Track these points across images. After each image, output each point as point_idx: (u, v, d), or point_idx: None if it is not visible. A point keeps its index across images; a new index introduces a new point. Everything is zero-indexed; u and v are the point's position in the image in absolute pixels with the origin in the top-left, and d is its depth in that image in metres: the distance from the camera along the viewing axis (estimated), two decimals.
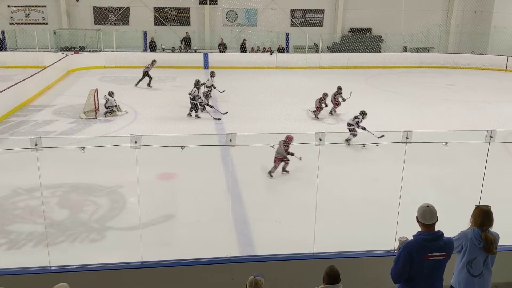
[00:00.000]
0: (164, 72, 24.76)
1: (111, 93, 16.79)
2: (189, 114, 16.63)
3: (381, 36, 30.69)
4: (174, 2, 29.64)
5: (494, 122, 15.05)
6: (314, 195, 6.50)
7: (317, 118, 16.84)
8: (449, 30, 31.73)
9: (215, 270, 6.24)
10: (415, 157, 6.99)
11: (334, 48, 30.27)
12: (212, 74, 19.75)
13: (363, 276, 6.30)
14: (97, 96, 16.71)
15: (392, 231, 6.15)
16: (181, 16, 30.16)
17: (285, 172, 11.12)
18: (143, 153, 5.95)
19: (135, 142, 5.66)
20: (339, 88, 17.61)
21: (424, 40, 30.74)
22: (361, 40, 29.71)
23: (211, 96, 18.73)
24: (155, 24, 29.83)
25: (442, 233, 4.49)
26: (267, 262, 6.30)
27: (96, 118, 16.13)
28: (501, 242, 6.71)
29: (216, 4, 29.74)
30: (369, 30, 31.02)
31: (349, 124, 13.43)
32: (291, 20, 30.94)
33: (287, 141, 10.51)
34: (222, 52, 28.69)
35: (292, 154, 10.62)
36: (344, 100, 17.34)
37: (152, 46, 28.39)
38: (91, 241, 8.29)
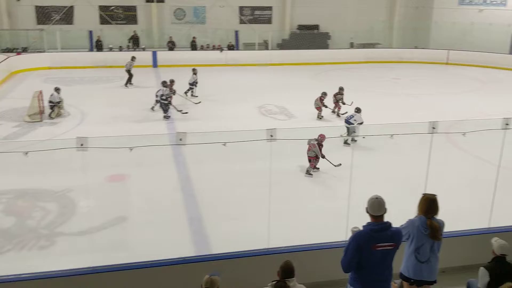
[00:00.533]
0: (112, 71, 24.21)
1: (57, 89, 16.25)
2: (153, 109, 16.65)
3: (328, 33, 31.22)
4: (120, 0, 28.96)
5: (437, 113, 15.68)
6: (267, 191, 6.54)
7: (320, 118, 16.14)
8: (393, 26, 32.71)
9: (170, 271, 6.16)
10: (364, 149, 7.16)
11: (283, 45, 30.55)
12: (194, 71, 19.32)
13: (318, 268, 6.40)
14: (42, 98, 16.11)
15: (344, 222, 6.29)
16: (128, 15, 29.50)
17: (308, 175, 10.90)
18: (91, 155, 5.78)
19: (82, 145, 5.49)
20: (341, 88, 16.93)
21: (369, 36, 31.50)
22: (309, 36, 30.18)
23: (196, 95, 18.75)
24: (101, 23, 29.00)
25: (390, 224, 4.63)
26: (223, 260, 6.28)
27: (41, 121, 15.53)
28: (446, 229, 7.03)
29: (164, 1, 29.30)
30: (316, 26, 31.49)
31: (346, 121, 12.88)
32: (240, 17, 30.94)
33: (321, 140, 10.26)
34: (171, 50, 28.33)
35: (323, 157, 10.49)
36: (343, 103, 16.63)
37: (98, 46, 27.64)
38: (40, 248, 7.99)
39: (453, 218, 7.79)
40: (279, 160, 6.54)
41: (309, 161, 10.83)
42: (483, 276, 5.08)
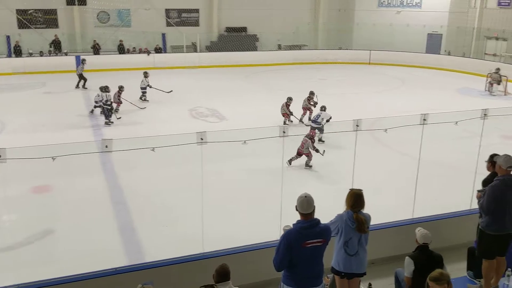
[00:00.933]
0: (33, 78, 23.03)
1: (105, 88, 15.97)
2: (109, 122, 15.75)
3: (256, 35, 31.58)
4: (38, 3, 27.55)
5: (362, 111, 16.29)
6: (199, 194, 6.49)
7: (288, 124, 15.66)
8: (318, 28, 33.67)
9: (102, 283, 5.94)
10: (293, 149, 7.30)
11: (212, 47, 30.50)
12: (146, 75, 19.05)
13: (253, 269, 6.44)
14: None
15: (277, 221, 6.37)
16: (48, 18, 28.15)
17: (308, 167, 11.46)
18: (11, 167, 5.46)
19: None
20: (311, 93, 16.55)
21: (296, 38, 32.22)
22: (237, 39, 30.35)
23: (147, 100, 18.42)
24: (19, 28, 27.46)
25: (319, 221, 4.74)
26: (156, 268, 6.15)
27: None
28: (373, 222, 7.31)
29: (85, 4, 28.24)
30: (244, 29, 31.75)
31: (314, 121, 13.35)
32: (167, 20, 30.50)
33: (312, 135, 11.14)
34: (96, 54, 27.39)
35: (317, 151, 11.10)
36: (314, 106, 16.22)
37: (17, 51, 26.17)
38: None
39: (379, 211, 8.15)
40: (210, 162, 6.51)
41: (306, 156, 11.36)
42: (408, 265, 5.34)
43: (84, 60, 21.72)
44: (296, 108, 16.02)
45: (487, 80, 22.13)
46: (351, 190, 5.19)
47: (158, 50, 28.77)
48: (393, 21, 31.57)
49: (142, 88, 18.82)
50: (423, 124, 7.40)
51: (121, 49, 28.19)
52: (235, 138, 6.49)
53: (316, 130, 12.53)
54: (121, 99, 16.97)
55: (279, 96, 18.06)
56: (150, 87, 18.82)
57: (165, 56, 28.49)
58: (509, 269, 5.80)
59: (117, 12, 29.34)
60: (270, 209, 7.28)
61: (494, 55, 29.61)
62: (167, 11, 30.43)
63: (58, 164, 5.67)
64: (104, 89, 15.91)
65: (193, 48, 29.93)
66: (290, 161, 11.24)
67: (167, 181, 10.87)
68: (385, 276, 6.70)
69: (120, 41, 28.28)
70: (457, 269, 6.72)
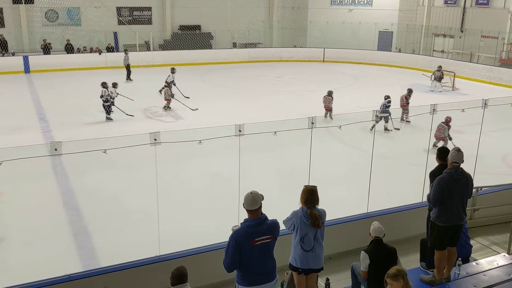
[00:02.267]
0: None
1: (114, 84, 16.58)
2: (109, 118, 16.01)
3: (210, 33, 31.41)
4: None
5: (318, 109, 16.50)
6: (154, 196, 6.36)
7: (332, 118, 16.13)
8: (272, 26, 33.87)
9: None
10: (249, 147, 7.28)
11: (165, 46, 30.09)
12: (173, 70, 19.31)
13: (210, 270, 6.37)
14: None
15: (234, 221, 6.33)
16: None
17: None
18: None
19: None
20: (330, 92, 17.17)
21: (251, 36, 32.30)
22: (191, 37, 30.06)
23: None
24: None
25: (266, 217, 4.72)
26: (112, 273, 5.99)
27: None
28: (330, 217, 7.40)
29: (33, 3, 27.22)
30: (198, 27, 31.51)
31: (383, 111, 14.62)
32: (118, 18, 29.85)
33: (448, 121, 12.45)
34: (47, 54, 26.45)
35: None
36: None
37: None
38: None
39: (336, 206, 8.27)
40: (166, 163, 6.41)
41: (442, 140, 12.65)
42: (364, 259, 5.43)
43: (126, 50, 23.92)
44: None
45: (431, 77, 22.91)
46: (306, 186, 5.23)
47: (110, 49, 28.08)
48: (345, 19, 32.17)
49: (166, 83, 18.81)
50: (375, 120, 7.56)
51: (69, 49, 27.31)
52: (190, 137, 6.40)
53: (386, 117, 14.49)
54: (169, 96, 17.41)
55: (232, 95, 18.09)
56: (175, 84, 18.97)
57: (117, 55, 27.84)
58: (459, 259, 6.03)
59: (66, 11, 28.44)
60: (227, 209, 7.24)
61: (442, 51, 30.72)
62: (119, 9, 29.79)
63: (5, 169, 5.42)
64: (103, 85, 15.94)
65: (146, 46, 29.43)
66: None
67: (121, 183, 10.63)
68: (343, 271, 6.80)
69: (67, 40, 27.42)
70: (411, 261, 6.90)
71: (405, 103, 16.16)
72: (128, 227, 8.66)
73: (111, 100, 16.13)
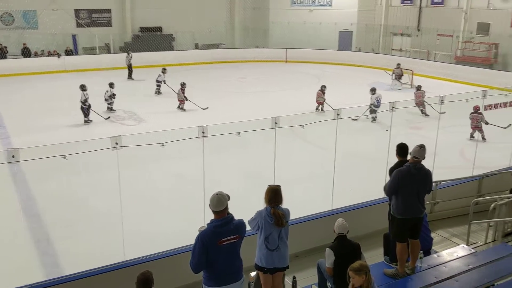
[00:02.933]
0: None
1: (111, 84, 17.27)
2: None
3: (172, 34, 31.13)
4: None
5: (281, 109, 16.61)
6: (118, 201, 6.27)
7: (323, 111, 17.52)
8: (234, 27, 33.87)
9: None
10: (214, 149, 7.27)
11: (126, 48, 29.58)
12: (164, 71, 20.43)
13: (178, 273, 6.32)
14: None
15: (200, 223, 6.31)
16: None
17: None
18: None
19: None
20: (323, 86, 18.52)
21: (213, 37, 32.18)
22: (152, 38, 29.74)
23: (160, 93, 19.70)
24: None
25: (232, 217, 4.75)
26: (75, 281, 5.86)
27: None
28: (295, 215, 7.47)
29: None
30: (159, 28, 31.17)
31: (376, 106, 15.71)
32: (77, 20, 29.16)
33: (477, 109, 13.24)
34: (2, 58, 25.57)
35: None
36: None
37: None
38: None
39: (301, 204, 8.36)
40: (129, 167, 6.32)
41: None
42: (329, 255, 5.52)
43: (129, 51, 24.97)
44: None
45: (392, 75, 23.44)
46: (269, 186, 5.28)
47: (68, 53, 27.44)
48: (306, 19, 32.52)
49: (157, 82, 20.21)
50: (337, 119, 7.68)
51: (26, 53, 26.53)
52: (153, 140, 6.34)
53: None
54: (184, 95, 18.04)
55: (196, 96, 17.97)
56: (165, 83, 20.07)
57: (76, 58, 27.27)
58: (421, 251, 6.20)
59: (22, 14, 27.56)
60: (193, 210, 7.21)
61: (400, 50, 31.47)
62: (77, 11, 29.09)
63: None
64: (82, 87, 16.03)
65: (106, 49, 28.89)
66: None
67: (84, 188, 10.42)
68: (309, 268, 6.88)
69: (24, 44, 26.62)
70: (375, 255, 7.05)
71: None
72: (93, 233, 8.49)
73: (112, 100, 17.23)
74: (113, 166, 6.16)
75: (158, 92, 20.53)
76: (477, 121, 13.80)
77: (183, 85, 18.01)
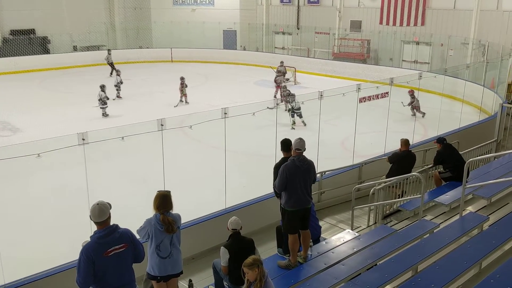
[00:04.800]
0: None
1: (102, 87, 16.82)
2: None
3: (47, 37, 29.15)
4: None
5: (169, 110, 16.37)
6: None
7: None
8: (115, 27, 32.63)
9: None
10: (96, 156, 6.92)
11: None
12: (118, 73, 20.63)
13: None
14: None
15: (88, 234, 5.97)
16: None
17: None
18: None
19: None
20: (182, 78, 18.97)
21: (93, 38, 30.67)
22: (25, 42, 27.63)
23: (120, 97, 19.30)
24: None
25: (117, 226, 4.56)
26: None
27: None
28: (189, 218, 7.40)
29: None
30: (32, 31, 28.99)
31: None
32: None
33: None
34: None
35: None
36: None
37: None
38: None
39: (195, 207, 8.31)
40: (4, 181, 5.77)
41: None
42: (223, 254, 5.53)
43: (109, 50, 26.25)
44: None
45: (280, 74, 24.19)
46: (158, 192, 5.13)
47: None
48: (189, 19, 32.38)
49: (116, 85, 20.00)
50: (225, 117, 7.73)
51: None
52: (28, 152, 5.85)
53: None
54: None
55: (80, 100, 17.02)
56: (121, 83, 20.24)
57: None
58: (311, 240, 6.48)
59: None
60: (78, 223, 6.80)
61: (283, 48, 32.64)
62: None
63: None
64: (102, 87, 16.89)
65: None
66: None
67: None
68: (205, 269, 6.86)
69: None
70: (269, 249, 7.24)
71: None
72: None
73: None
74: None
75: (118, 96, 20.06)
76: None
77: (182, 79, 18.90)
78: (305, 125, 14.98)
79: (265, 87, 22.22)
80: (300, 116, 15.15)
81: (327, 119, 11.93)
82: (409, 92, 16.31)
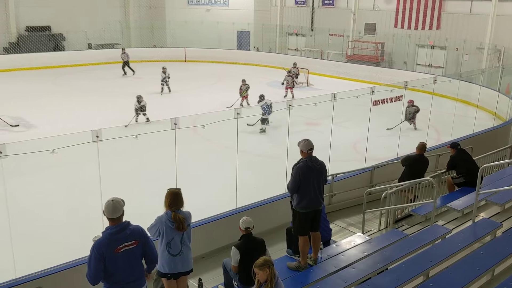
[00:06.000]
0: None
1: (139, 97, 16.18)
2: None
3: (62, 34, 29.44)
4: None
5: (183, 109, 16.41)
6: (5, 217, 5.77)
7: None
8: (130, 26, 32.82)
9: None
10: (110, 153, 6.96)
11: (11, 49, 27.52)
12: (163, 69, 21.10)
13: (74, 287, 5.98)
14: None
15: (100, 231, 6.00)
16: None
17: None
18: None
19: None
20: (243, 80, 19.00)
21: (108, 36, 30.89)
22: (41, 38, 27.94)
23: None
24: None
25: (128, 223, 4.57)
26: None
27: None
28: (200, 217, 7.42)
29: None
30: (48, 28, 29.30)
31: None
32: None
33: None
34: None
35: None
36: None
37: None
38: None
39: (206, 205, 8.31)
40: (16, 177, 5.84)
41: None
42: (234, 254, 5.53)
43: (124, 48, 26.48)
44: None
45: (290, 74, 24.15)
46: (169, 189, 5.14)
47: None
48: (203, 19, 32.45)
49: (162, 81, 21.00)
50: (237, 118, 7.74)
51: None
52: (42, 147, 5.90)
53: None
54: None
55: (93, 97, 17.16)
56: (169, 78, 21.15)
57: None
58: (321, 243, 6.45)
59: None
60: (90, 220, 6.85)
61: (296, 49, 32.61)
62: None
63: None
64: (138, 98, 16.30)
65: None
66: None
67: None
68: (214, 268, 6.86)
69: None
70: (279, 249, 7.21)
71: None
72: None
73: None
74: None
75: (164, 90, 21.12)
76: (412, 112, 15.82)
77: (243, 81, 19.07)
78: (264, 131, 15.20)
79: (278, 88, 22.18)
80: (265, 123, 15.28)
81: (339, 121, 11.85)
82: (408, 102, 15.63)
